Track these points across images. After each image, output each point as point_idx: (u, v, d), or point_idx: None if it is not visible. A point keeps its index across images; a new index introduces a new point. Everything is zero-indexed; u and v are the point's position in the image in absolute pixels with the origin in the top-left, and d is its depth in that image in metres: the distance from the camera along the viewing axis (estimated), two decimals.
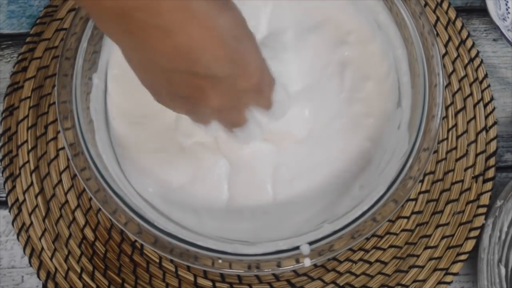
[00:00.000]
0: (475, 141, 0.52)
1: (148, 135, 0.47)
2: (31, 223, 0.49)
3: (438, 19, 0.54)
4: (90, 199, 0.50)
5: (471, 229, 0.49)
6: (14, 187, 0.50)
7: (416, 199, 0.50)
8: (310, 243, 0.40)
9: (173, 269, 0.49)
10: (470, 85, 0.53)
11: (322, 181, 0.46)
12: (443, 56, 0.53)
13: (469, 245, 0.49)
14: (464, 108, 0.52)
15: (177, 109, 0.37)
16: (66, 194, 0.50)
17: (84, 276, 0.48)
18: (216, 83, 0.33)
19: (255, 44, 0.35)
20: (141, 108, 0.47)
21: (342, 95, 0.47)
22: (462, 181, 0.51)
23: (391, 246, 0.49)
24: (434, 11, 0.55)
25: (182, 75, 0.33)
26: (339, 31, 0.49)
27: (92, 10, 0.32)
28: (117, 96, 0.47)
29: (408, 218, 0.50)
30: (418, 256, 0.49)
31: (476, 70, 0.53)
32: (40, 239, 0.49)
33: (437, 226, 0.50)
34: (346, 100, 0.47)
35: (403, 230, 0.50)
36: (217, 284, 0.48)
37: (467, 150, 0.51)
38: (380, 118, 0.47)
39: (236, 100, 0.36)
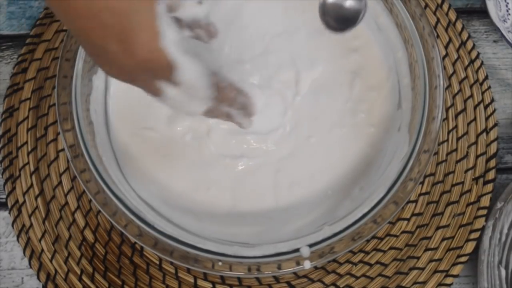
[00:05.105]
0: (476, 143, 0.52)
1: (151, 146, 0.47)
2: (31, 224, 0.49)
3: (438, 20, 0.54)
4: (90, 201, 0.50)
5: (471, 231, 0.49)
6: (14, 188, 0.50)
7: (416, 201, 0.50)
8: (310, 245, 0.40)
9: (173, 271, 0.49)
10: (471, 86, 0.53)
11: (323, 185, 0.46)
12: (444, 57, 0.53)
13: (470, 247, 0.49)
14: (464, 109, 0.52)
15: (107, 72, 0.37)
16: (66, 195, 0.50)
17: (84, 278, 0.48)
18: (104, 55, 0.34)
19: (146, 18, 0.34)
20: (144, 120, 0.47)
21: (348, 105, 0.48)
22: (463, 183, 0.51)
23: (391, 248, 0.49)
24: (434, 13, 0.55)
25: (91, 36, 0.33)
26: (347, 35, 0.49)
27: None
28: (120, 108, 0.47)
29: (408, 220, 0.50)
30: (418, 258, 0.49)
31: (477, 71, 0.53)
32: (40, 240, 0.49)
33: (437, 228, 0.50)
34: (350, 110, 0.47)
35: (403, 232, 0.50)
36: (217, 286, 0.48)
37: (467, 152, 0.51)
38: (381, 124, 0.47)
39: (131, 75, 0.35)
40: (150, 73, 0.35)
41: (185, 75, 0.36)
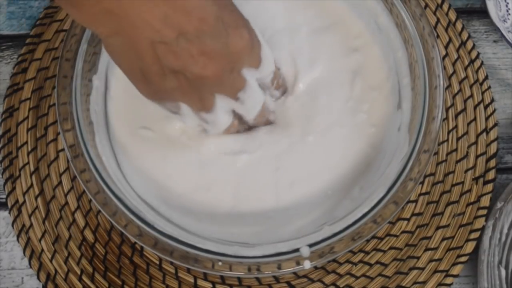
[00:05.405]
0: (476, 142, 0.52)
1: (150, 146, 0.47)
2: (31, 224, 0.49)
3: (438, 20, 0.54)
4: (90, 201, 0.50)
5: (471, 231, 0.49)
6: (14, 188, 0.50)
7: (416, 201, 0.50)
8: (310, 245, 0.40)
9: (173, 271, 0.49)
10: (471, 86, 0.53)
11: (323, 185, 0.46)
12: (444, 57, 0.53)
13: (470, 247, 0.49)
14: (464, 109, 0.52)
15: (172, 91, 0.36)
16: (66, 195, 0.50)
17: (84, 278, 0.48)
18: (209, 46, 0.33)
19: (235, 6, 0.36)
20: (142, 120, 0.47)
21: (349, 104, 0.47)
22: (463, 183, 0.51)
23: (391, 248, 0.49)
24: (434, 13, 0.55)
25: (172, 44, 0.33)
26: (348, 34, 0.49)
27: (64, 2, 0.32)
28: (119, 108, 0.47)
29: (408, 220, 0.50)
30: (418, 258, 0.49)
31: (477, 71, 0.53)
32: (40, 240, 0.49)
33: (437, 228, 0.50)
34: (351, 110, 0.47)
35: (403, 232, 0.50)
36: (217, 286, 0.48)
37: (467, 152, 0.51)
38: (381, 124, 0.47)
39: (233, 63, 0.35)
40: (252, 54, 0.37)
41: (265, 50, 0.39)
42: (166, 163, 0.46)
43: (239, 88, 0.38)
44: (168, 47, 0.33)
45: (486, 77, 0.53)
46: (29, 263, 0.49)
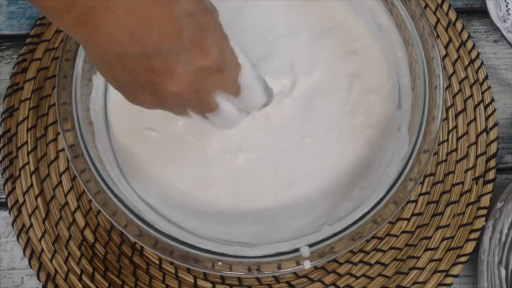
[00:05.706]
0: (476, 142, 0.52)
1: (152, 146, 0.46)
2: (31, 224, 0.49)
3: (438, 20, 0.54)
4: (90, 201, 0.50)
5: (471, 231, 0.49)
6: (14, 188, 0.50)
7: (416, 201, 0.50)
8: (310, 245, 0.40)
9: (173, 271, 0.49)
10: (471, 86, 0.53)
11: (322, 185, 0.46)
12: (444, 57, 0.53)
13: (470, 247, 0.49)
14: (464, 109, 0.52)
15: (144, 102, 0.36)
16: (66, 195, 0.50)
17: (84, 277, 0.48)
18: (170, 63, 0.32)
19: (214, 21, 0.34)
20: (143, 120, 0.47)
21: (346, 107, 0.47)
22: (463, 183, 0.51)
23: (391, 248, 0.49)
24: (434, 13, 0.55)
25: (136, 59, 0.32)
26: (347, 37, 0.49)
27: (43, 7, 0.32)
28: (119, 108, 0.47)
29: (408, 220, 0.50)
30: (418, 258, 0.49)
31: (477, 71, 0.53)
32: (40, 240, 0.49)
33: (437, 228, 0.50)
34: (348, 112, 0.47)
35: (403, 232, 0.50)
36: (217, 286, 0.48)
37: (467, 152, 0.51)
38: (380, 124, 0.47)
39: (197, 83, 0.34)
40: (224, 76, 0.35)
41: (247, 76, 0.37)
42: (168, 162, 0.46)
43: (207, 110, 0.37)
44: (132, 61, 0.32)
45: (486, 77, 0.53)
46: (29, 263, 0.49)
